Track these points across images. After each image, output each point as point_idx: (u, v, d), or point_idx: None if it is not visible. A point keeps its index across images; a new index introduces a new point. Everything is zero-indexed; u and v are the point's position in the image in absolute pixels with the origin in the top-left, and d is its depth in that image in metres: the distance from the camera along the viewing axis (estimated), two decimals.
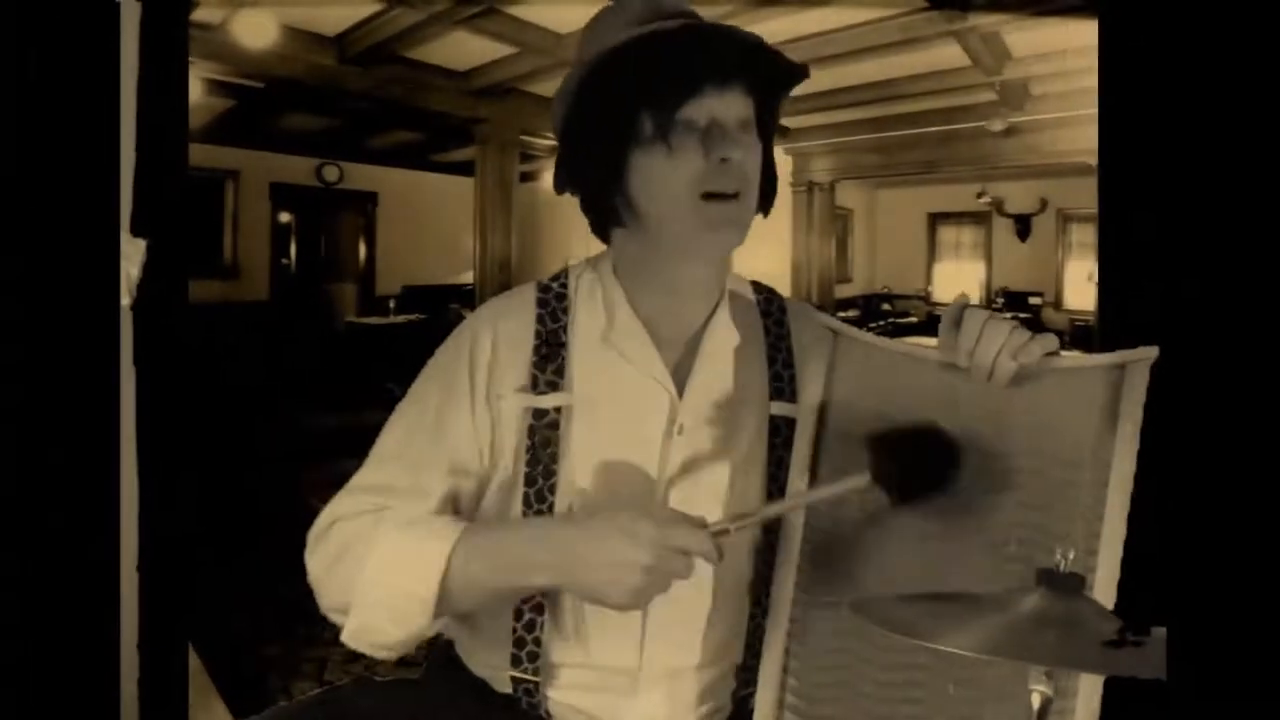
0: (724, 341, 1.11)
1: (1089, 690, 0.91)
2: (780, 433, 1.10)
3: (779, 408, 1.11)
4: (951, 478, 0.96)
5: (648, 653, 1.07)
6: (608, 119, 1.05)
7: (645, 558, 0.89)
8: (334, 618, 1.03)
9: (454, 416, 1.08)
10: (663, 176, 1.03)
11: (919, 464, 0.95)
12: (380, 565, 0.98)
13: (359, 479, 1.09)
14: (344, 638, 1.01)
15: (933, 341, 1.00)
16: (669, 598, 1.02)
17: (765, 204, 1.12)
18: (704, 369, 1.10)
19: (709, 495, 1.07)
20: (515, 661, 1.08)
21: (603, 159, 1.06)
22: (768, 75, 1.06)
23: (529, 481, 1.07)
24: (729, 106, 1.02)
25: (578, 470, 1.07)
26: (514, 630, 1.08)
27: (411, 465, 1.07)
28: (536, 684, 1.08)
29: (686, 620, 1.07)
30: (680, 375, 1.10)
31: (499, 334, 1.11)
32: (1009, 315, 0.99)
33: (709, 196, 1.02)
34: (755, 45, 1.03)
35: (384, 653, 1.01)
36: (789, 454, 1.07)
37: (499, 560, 0.96)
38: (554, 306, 1.13)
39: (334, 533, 1.04)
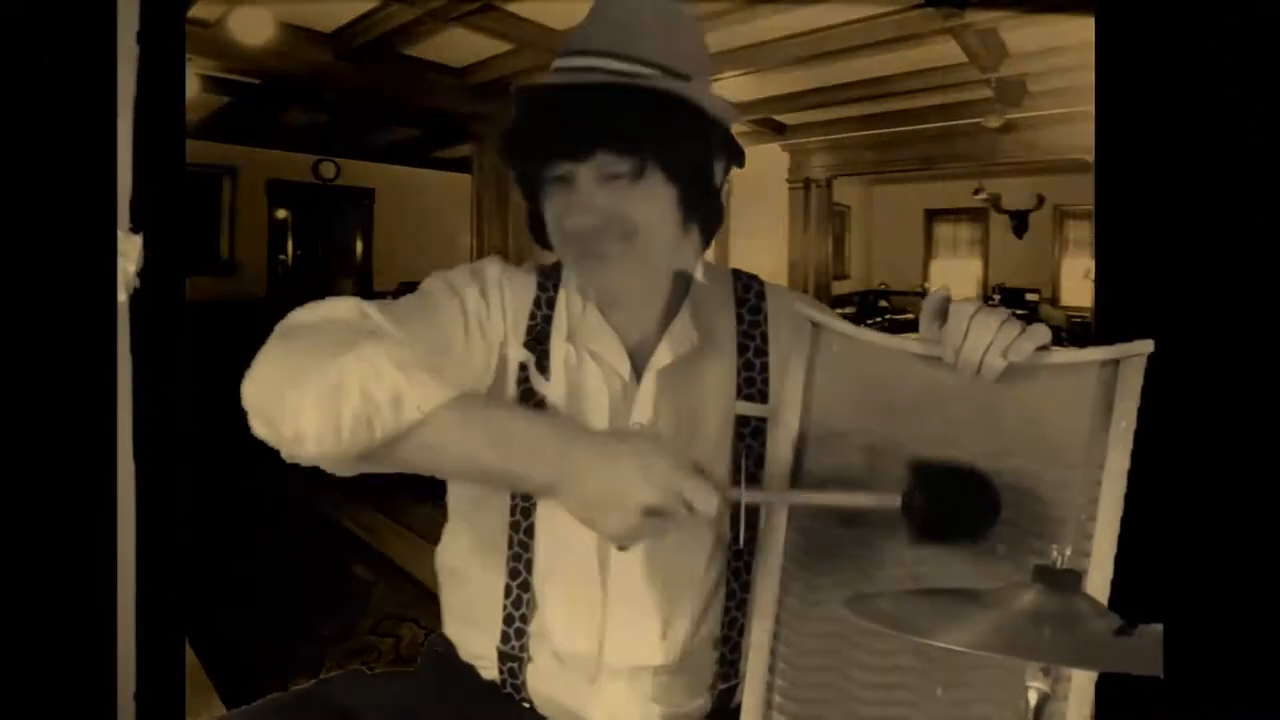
0: (684, 338, 1.12)
1: (1080, 690, 0.90)
2: (748, 423, 1.10)
3: (745, 406, 1.11)
4: (981, 531, 0.92)
5: (608, 644, 1.09)
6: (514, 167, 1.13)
7: (650, 497, 0.84)
8: (266, 402, 0.89)
9: (453, 327, 1.10)
10: (545, 219, 1.11)
11: (954, 509, 0.92)
12: (377, 358, 0.86)
13: (372, 306, 0.99)
14: (285, 430, 0.87)
15: None
16: (631, 591, 1.04)
17: (706, 237, 1.15)
18: (661, 363, 1.10)
19: None
20: (504, 638, 1.11)
21: (525, 195, 1.15)
22: (656, 130, 1.04)
23: None
24: (591, 166, 1.04)
25: None
26: (504, 607, 1.10)
27: (421, 330, 1.03)
28: (522, 661, 1.09)
29: (649, 615, 1.09)
30: (640, 369, 1.12)
31: (507, 294, 1.14)
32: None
33: (568, 236, 1.08)
34: (627, 109, 1.03)
35: (321, 444, 0.87)
36: (758, 444, 1.08)
37: (504, 434, 0.88)
38: (549, 294, 1.15)
39: (326, 324, 0.94)
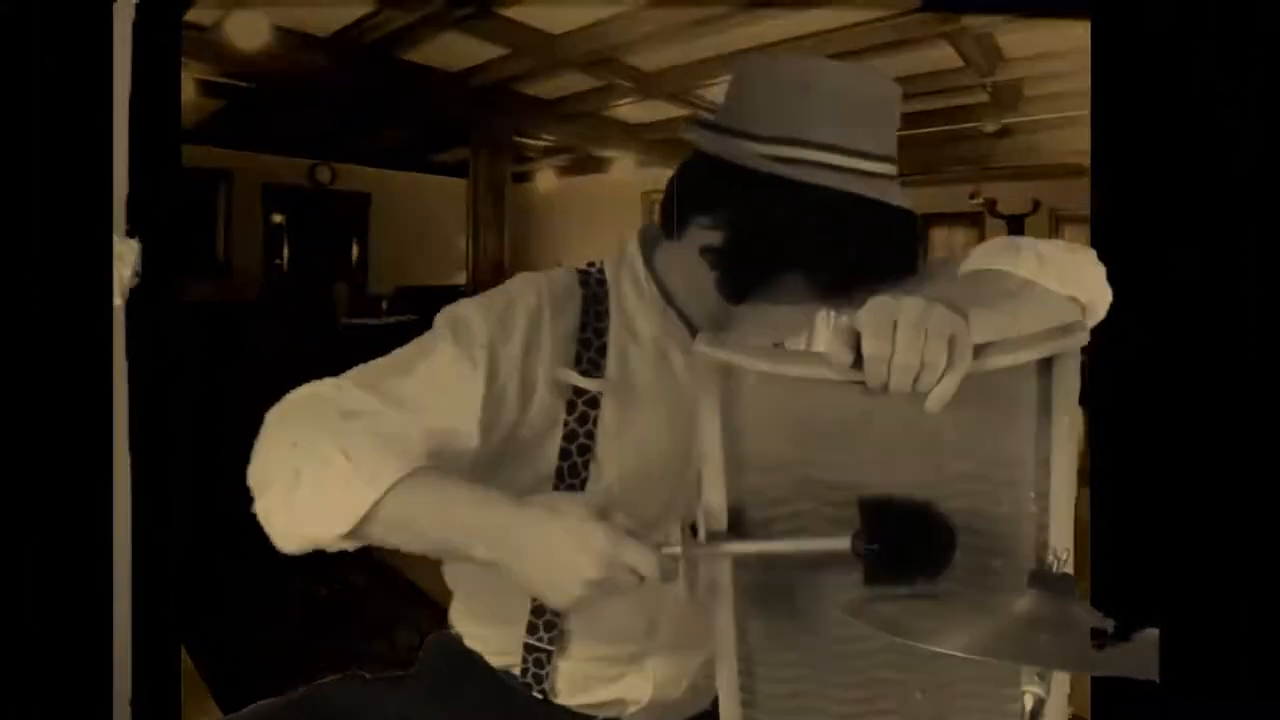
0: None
1: (1057, 693, 0.87)
2: None
3: None
4: (934, 571, 0.87)
5: (659, 626, 1.10)
6: (788, 241, 1.05)
7: (592, 571, 0.85)
8: (256, 492, 0.97)
9: (453, 369, 1.05)
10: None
11: (906, 551, 0.87)
12: (331, 450, 0.91)
13: (357, 374, 1.04)
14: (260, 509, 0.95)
15: None
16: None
17: None
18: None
19: None
20: (531, 629, 1.10)
21: (756, 241, 1.06)
22: None
23: (564, 455, 1.08)
24: None
25: (610, 454, 1.08)
26: (533, 600, 1.10)
27: (410, 389, 1.03)
28: (550, 653, 1.10)
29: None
30: None
31: (550, 309, 1.10)
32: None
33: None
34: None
35: (293, 541, 0.96)
36: None
37: (447, 511, 0.92)
38: (596, 291, 1.14)
39: (303, 409, 1.00)
